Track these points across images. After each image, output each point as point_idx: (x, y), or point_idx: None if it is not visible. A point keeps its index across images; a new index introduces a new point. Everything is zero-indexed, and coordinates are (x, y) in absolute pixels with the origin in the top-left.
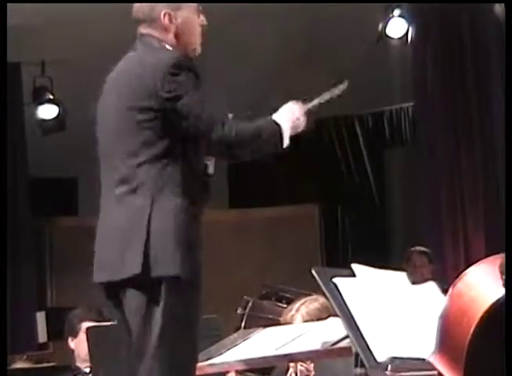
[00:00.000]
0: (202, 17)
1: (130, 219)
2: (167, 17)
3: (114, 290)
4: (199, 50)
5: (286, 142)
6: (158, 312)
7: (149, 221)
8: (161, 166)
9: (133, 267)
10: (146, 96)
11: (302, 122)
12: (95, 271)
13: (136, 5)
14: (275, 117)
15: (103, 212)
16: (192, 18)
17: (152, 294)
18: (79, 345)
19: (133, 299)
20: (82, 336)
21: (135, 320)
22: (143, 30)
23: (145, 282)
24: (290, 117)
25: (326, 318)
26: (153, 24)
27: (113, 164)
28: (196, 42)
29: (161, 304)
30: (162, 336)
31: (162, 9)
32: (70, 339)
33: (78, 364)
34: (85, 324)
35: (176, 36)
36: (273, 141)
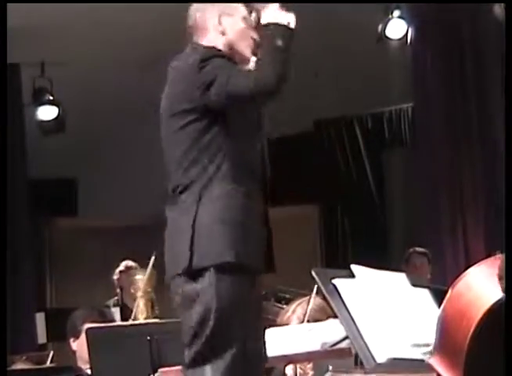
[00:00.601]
0: (252, 19)
1: (178, 220)
2: (216, 27)
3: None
4: (252, 59)
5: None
6: (210, 302)
7: (195, 217)
8: (208, 160)
9: (181, 262)
10: (184, 99)
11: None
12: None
13: (190, 10)
14: (265, 20)
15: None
16: (241, 26)
17: (202, 285)
18: (81, 345)
19: (185, 292)
20: (84, 337)
21: (186, 312)
22: (193, 37)
23: (195, 274)
24: (275, 13)
25: (322, 318)
26: (202, 33)
27: (169, 169)
28: (247, 51)
29: (212, 293)
30: (215, 325)
31: (211, 18)
32: (71, 340)
33: (80, 365)
34: (87, 325)
35: (225, 45)
36: (288, 36)
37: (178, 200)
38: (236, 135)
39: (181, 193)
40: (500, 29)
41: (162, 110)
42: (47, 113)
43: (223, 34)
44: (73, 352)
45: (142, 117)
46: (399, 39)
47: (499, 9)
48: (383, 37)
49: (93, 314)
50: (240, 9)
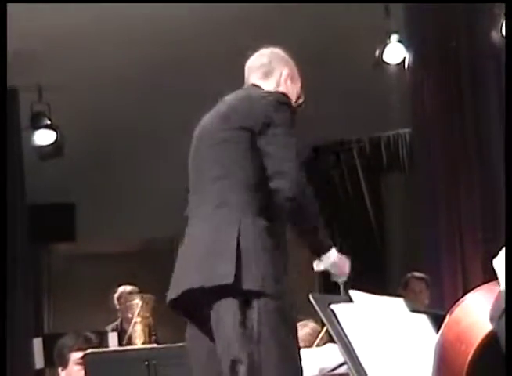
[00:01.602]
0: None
1: (218, 232)
2: (283, 76)
3: (198, 298)
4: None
5: (317, 266)
6: (250, 324)
7: (238, 235)
8: (246, 188)
9: (226, 277)
10: (243, 119)
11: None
12: (177, 284)
13: (256, 55)
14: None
15: (188, 230)
16: (296, 79)
17: (243, 305)
18: (70, 374)
19: (223, 308)
20: (72, 366)
21: (225, 330)
22: (254, 80)
23: (235, 293)
24: (340, 265)
25: (317, 342)
26: (267, 78)
27: (202, 184)
28: (294, 99)
29: (253, 316)
30: (256, 343)
31: (281, 68)
32: (60, 369)
33: None
34: (74, 354)
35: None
36: (316, 242)
37: (212, 215)
38: None
39: (218, 208)
40: (498, 54)
41: (214, 121)
42: (45, 137)
43: (285, 83)
44: None
45: (141, 142)
46: (397, 64)
47: (496, 36)
48: (380, 62)
49: (79, 341)
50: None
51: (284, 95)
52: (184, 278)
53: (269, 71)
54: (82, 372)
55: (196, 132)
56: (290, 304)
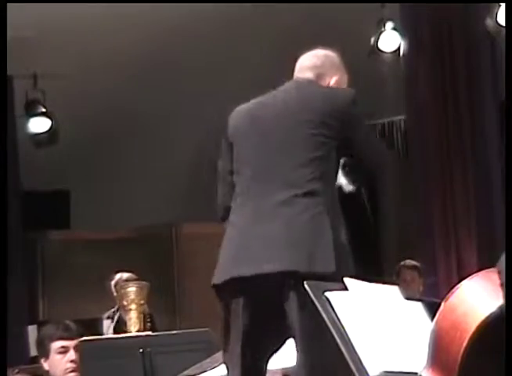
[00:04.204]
0: None
1: (306, 218)
2: (331, 83)
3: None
4: None
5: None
6: None
7: (331, 225)
8: (327, 180)
9: (326, 265)
10: (328, 115)
11: None
12: (240, 265)
13: (310, 55)
14: None
15: (250, 217)
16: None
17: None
18: (52, 364)
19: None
20: (54, 356)
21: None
22: (310, 75)
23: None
24: None
25: None
26: (321, 78)
27: (276, 173)
28: None
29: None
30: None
31: (331, 74)
32: (43, 360)
33: None
34: (55, 344)
35: None
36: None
37: (296, 201)
38: None
39: (303, 196)
40: (493, 42)
41: (290, 111)
42: (40, 125)
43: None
44: (47, 372)
45: (135, 129)
46: (392, 52)
47: (491, 23)
48: (375, 50)
49: (58, 331)
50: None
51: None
52: (257, 259)
53: (320, 74)
54: (64, 360)
55: (259, 121)
56: None
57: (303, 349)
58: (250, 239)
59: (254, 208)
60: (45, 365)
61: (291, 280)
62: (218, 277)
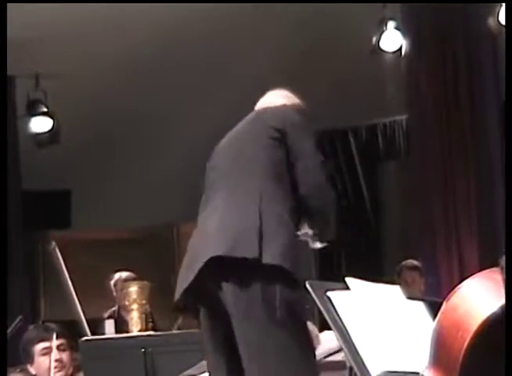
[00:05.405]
0: None
1: (237, 208)
2: None
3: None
4: None
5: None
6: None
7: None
8: (271, 182)
9: (250, 250)
10: (275, 131)
11: None
12: (205, 249)
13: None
14: None
15: (206, 214)
16: None
17: (265, 280)
18: (38, 366)
19: (246, 282)
20: (38, 358)
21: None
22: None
23: (257, 267)
24: None
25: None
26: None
27: (230, 179)
28: None
29: (275, 294)
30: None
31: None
32: (28, 365)
33: None
34: (37, 346)
35: None
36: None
37: (236, 200)
38: None
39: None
40: (494, 41)
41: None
42: (41, 125)
43: None
44: None
45: (136, 129)
46: (394, 51)
47: (492, 23)
48: (377, 50)
49: (39, 333)
50: None
51: None
52: (208, 247)
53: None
54: (49, 361)
55: None
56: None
57: (239, 330)
58: (193, 245)
59: (200, 219)
60: (31, 370)
61: (218, 266)
62: (176, 293)
